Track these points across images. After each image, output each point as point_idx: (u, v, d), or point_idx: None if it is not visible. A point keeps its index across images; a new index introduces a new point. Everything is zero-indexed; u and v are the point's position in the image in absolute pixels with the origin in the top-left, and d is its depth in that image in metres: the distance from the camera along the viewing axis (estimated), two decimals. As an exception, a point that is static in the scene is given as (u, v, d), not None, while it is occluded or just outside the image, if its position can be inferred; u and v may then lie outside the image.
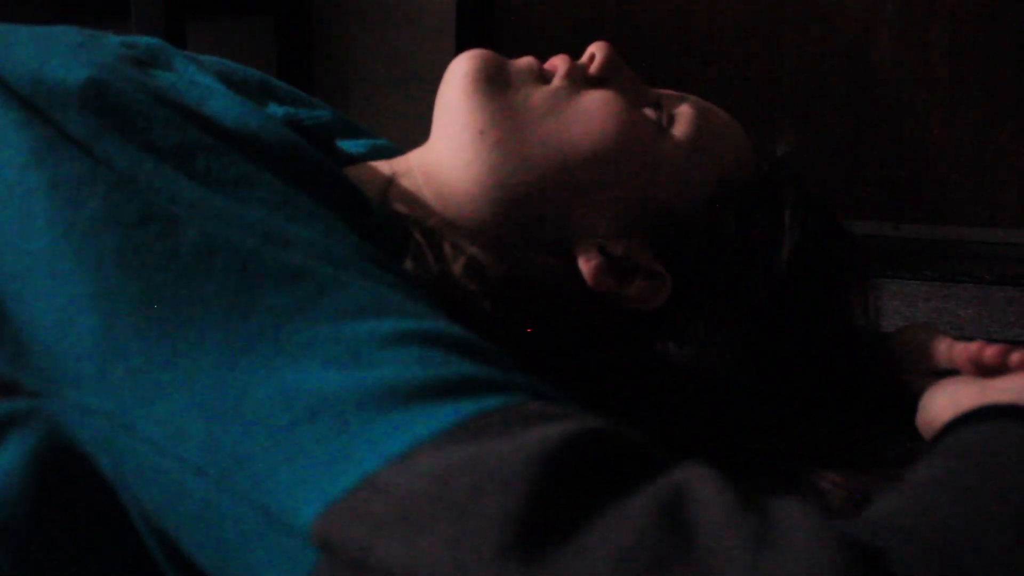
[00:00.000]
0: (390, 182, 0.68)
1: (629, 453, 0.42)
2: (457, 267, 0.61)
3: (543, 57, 0.71)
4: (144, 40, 0.71)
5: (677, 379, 0.67)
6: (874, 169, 2.07)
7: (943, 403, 0.62)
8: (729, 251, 0.68)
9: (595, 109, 0.68)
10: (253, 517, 0.41)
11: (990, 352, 0.64)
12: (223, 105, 0.59)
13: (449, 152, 0.68)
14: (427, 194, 0.69)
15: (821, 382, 0.71)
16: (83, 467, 0.47)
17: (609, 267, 0.67)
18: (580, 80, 0.70)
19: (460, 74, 0.68)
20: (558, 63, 0.70)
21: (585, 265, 0.67)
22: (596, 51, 0.71)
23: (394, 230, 0.62)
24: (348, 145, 0.80)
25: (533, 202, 0.67)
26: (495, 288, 0.62)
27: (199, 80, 0.64)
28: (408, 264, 0.60)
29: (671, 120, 0.70)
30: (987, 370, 0.64)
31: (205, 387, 0.43)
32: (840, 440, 0.70)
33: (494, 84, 0.68)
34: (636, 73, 0.73)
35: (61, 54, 0.56)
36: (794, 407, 0.69)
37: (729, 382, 0.67)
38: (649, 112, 0.70)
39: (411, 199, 0.68)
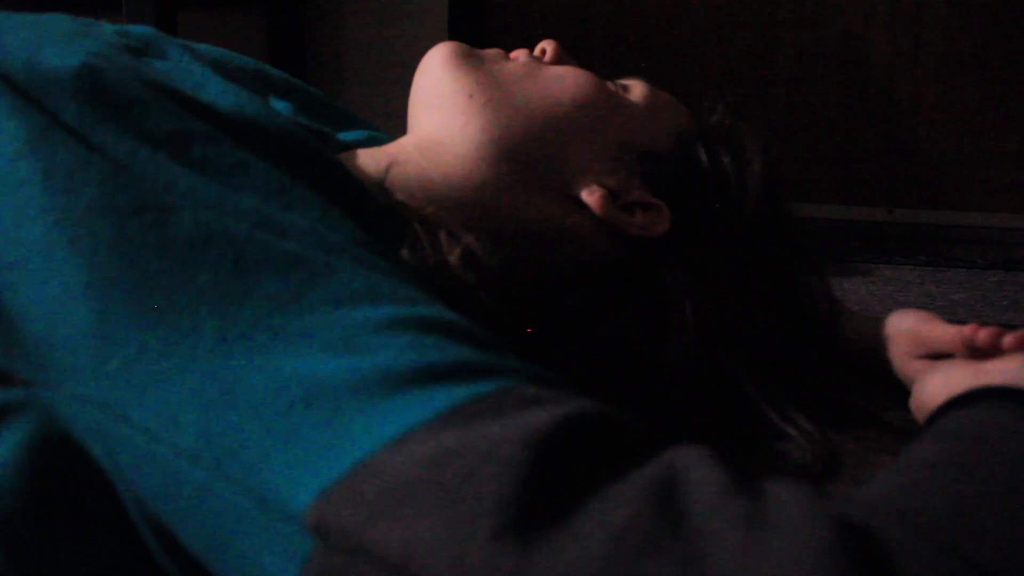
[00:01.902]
0: (387, 169, 0.68)
1: (623, 436, 0.42)
2: (453, 256, 0.62)
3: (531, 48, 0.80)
4: (138, 29, 0.71)
5: (683, 301, 0.71)
6: (867, 155, 2.07)
7: (936, 386, 0.63)
8: (708, 178, 0.74)
9: (565, 73, 0.75)
10: (248, 504, 0.41)
11: (983, 334, 0.64)
12: (219, 92, 0.59)
13: (442, 122, 0.72)
14: (428, 169, 0.70)
15: (804, 313, 0.77)
16: (78, 457, 0.47)
17: (612, 199, 0.71)
18: (541, 63, 0.77)
19: (437, 56, 0.74)
20: (519, 53, 0.77)
21: (590, 198, 0.71)
22: (546, 46, 0.79)
23: (390, 217, 0.62)
24: (344, 135, 0.81)
25: (528, 152, 0.71)
26: (491, 276, 0.63)
27: (194, 69, 0.64)
28: (405, 253, 0.60)
29: (625, 89, 0.78)
30: (980, 352, 0.64)
31: (200, 375, 0.43)
32: (822, 393, 0.76)
33: (470, 59, 0.74)
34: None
35: (55, 41, 0.56)
36: (783, 338, 0.75)
37: (730, 304, 0.72)
38: (607, 83, 0.77)
39: (408, 185, 0.68)
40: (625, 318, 0.69)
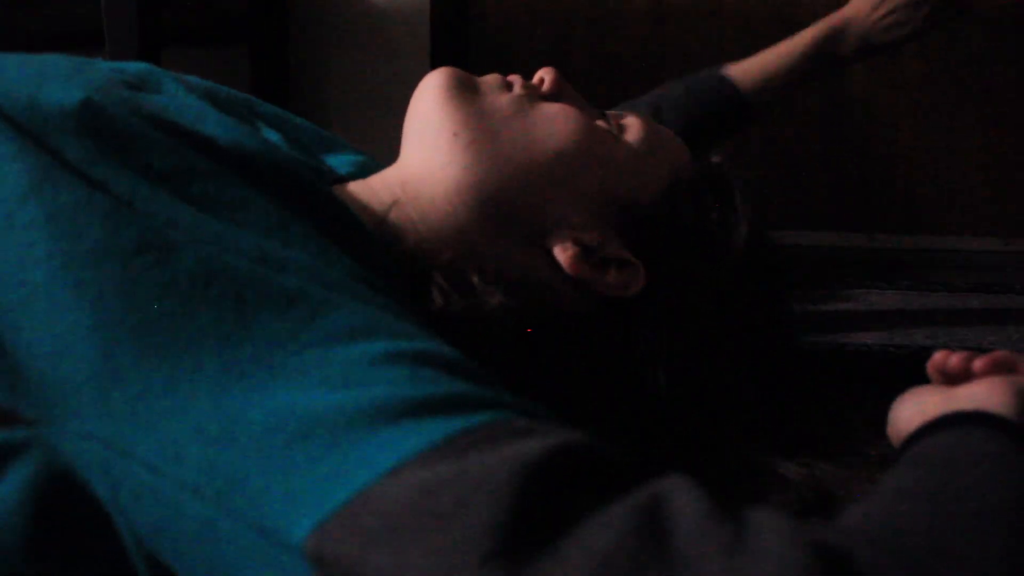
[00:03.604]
0: (390, 207, 0.69)
1: (610, 465, 0.43)
2: (495, 300, 0.64)
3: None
4: (133, 66, 0.72)
5: (655, 364, 0.69)
6: (847, 181, 2.09)
7: (910, 412, 0.63)
8: (691, 235, 0.72)
9: (555, 114, 0.73)
10: (249, 535, 0.42)
11: (954, 360, 0.64)
12: (217, 125, 0.60)
13: (425, 157, 0.71)
14: (407, 206, 0.70)
15: (784, 362, 0.76)
16: (80, 495, 0.47)
17: (585, 256, 0.70)
18: (536, 95, 0.74)
19: (433, 84, 0.72)
20: (515, 79, 0.75)
21: (562, 254, 0.69)
22: (545, 74, 0.76)
23: (387, 252, 0.63)
24: (334, 162, 0.81)
25: (507, 199, 0.69)
26: (504, 316, 0.64)
27: (191, 102, 0.65)
28: (436, 298, 0.62)
29: (621, 129, 0.76)
30: (952, 378, 0.65)
31: (202, 412, 0.44)
32: (805, 430, 0.74)
33: (464, 91, 0.72)
34: (581, 95, 0.78)
35: (55, 77, 0.57)
36: (763, 389, 0.73)
37: (705, 362, 0.71)
38: (600, 123, 0.75)
39: (412, 226, 0.69)
40: (596, 371, 0.69)
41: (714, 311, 0.71)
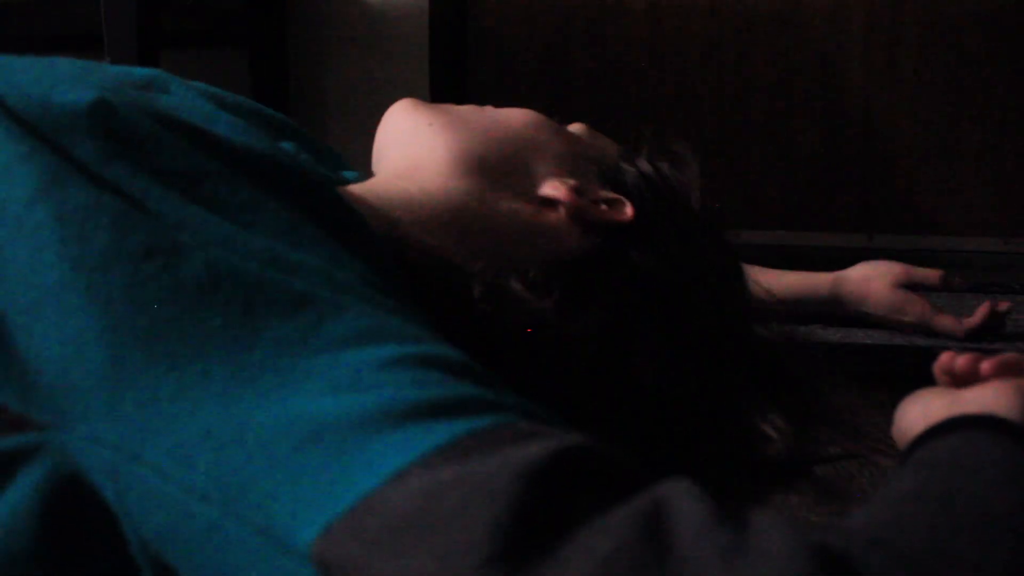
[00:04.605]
0: (399, 208, 0.70)
1: (612, 469, 0.43)
2: (550, 302, 0.67)
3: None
4: (140, 69, 0.72)
5: (653, 301, 0.73)
6: (846, 181, 2.09)
7: (916, 414, 0.63)
8: (653, 179, 0.78)
9: (511, 109, 0.82)
10: (255, 540, 0.42)
11: (961, 362, 0.64)
12: (228, 129, 0.60)
13: (410, 151, 0.76)
14: (408, 188, 0.72)
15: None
16: (88, 499, 0.48)
17: (577, 192, 0.75)
18: None
19: (395, 107, 0.80)
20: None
21: (556, 191, 0.74)
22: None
23: (396, 254, 0.63)
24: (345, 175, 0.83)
25: (491, 161, 0.75)
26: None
27: (199, 105, 0.65)
28: (481, 307, 0.64)
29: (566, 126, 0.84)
30: (959, 379, 0.64)
31: (210, 417, 0.44)
32: (806, 431, 0.76)
33: (424, 103, 0.80)
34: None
35: (67, 78, 0.57)
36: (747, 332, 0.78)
37: (698, 292, 0.75)
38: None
39: (419, 228, 0.70)
40: (602, 311, 0.71)
41: (694, 238, 0.77)
